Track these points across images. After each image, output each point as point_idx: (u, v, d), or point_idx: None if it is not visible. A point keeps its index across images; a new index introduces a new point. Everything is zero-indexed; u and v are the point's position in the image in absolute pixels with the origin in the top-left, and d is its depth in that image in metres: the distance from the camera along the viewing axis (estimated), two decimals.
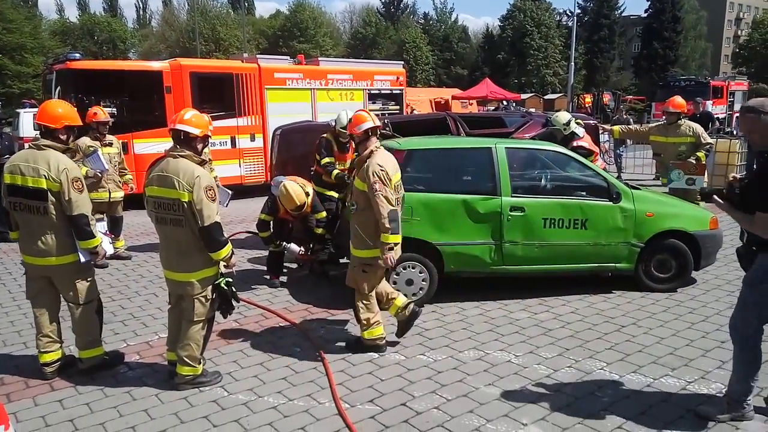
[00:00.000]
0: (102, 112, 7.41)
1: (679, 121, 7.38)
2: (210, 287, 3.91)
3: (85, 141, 7.16)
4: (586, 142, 7.00)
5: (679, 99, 7.60)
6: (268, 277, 6.40)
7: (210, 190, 3.75)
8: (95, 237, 4.04)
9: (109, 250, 4.38)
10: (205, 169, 3.88)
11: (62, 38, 51.82)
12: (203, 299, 3.88)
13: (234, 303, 4.04)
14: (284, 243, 6.25)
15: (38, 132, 4.05)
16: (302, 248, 6.29)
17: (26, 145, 4.13)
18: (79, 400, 3.85)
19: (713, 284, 6.07)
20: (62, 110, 4.03)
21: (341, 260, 6.62)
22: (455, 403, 3.76)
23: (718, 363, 4.24)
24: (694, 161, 7.10)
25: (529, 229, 5.51)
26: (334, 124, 6.75)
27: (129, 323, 5.28)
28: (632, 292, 5.80)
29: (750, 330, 3.38)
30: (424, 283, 5.49)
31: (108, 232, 7.38)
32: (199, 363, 3.97)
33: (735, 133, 12.19)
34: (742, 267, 3.52)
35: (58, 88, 10.82)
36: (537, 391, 3.88)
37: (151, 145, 10.79)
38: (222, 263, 3.92)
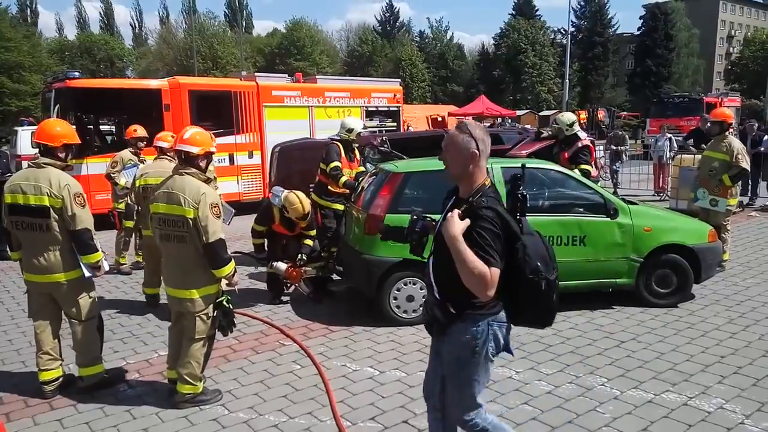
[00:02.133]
0: (142, 130, 7.70)
1: (724, 135, 7.00)
2: (211, 305, 3.91)
3: (126, 154, 7.55)
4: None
5: (721, 109, 7.42)
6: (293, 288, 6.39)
7: (215, 207, 3.78)
8: (98, 251, 4.07)
9: (104, 266, 4.36)
10: (210, 186, 3.92)
11: (60, 56, 52.12)
12: (204, 317, 3.88)
13: (234, 321, 4.04)
14: (272, 262, 6.20)
15: (37, 150, 4.09)
16: (290, 263, 6.19)
17: (24, 163, 4.17)
18: (79, 419, 3.83)
19: (712, 299, 6.08)
20: (61, 129, 4.09)
21: (334, 277, 6.63)
22: None
23: (718, 378, 4.25)
24: (716, 183, 6.82)
25: None
26: (340, 136, 6.77)
27: (128, 341, 5.26)
28: (631, 307, 5.81)
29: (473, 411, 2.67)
30: (424, 299, 5.49)
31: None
32: (200, 381, 3.95)
33: None
34: (431, 332, 2.74)
35: (57, 106, 10.86)
36: (538, 408, 3.88)
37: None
38: (224, 281, 3.93)
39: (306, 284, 6.24)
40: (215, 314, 3.93)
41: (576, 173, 6.20)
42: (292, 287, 6.38)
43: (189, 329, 3.88)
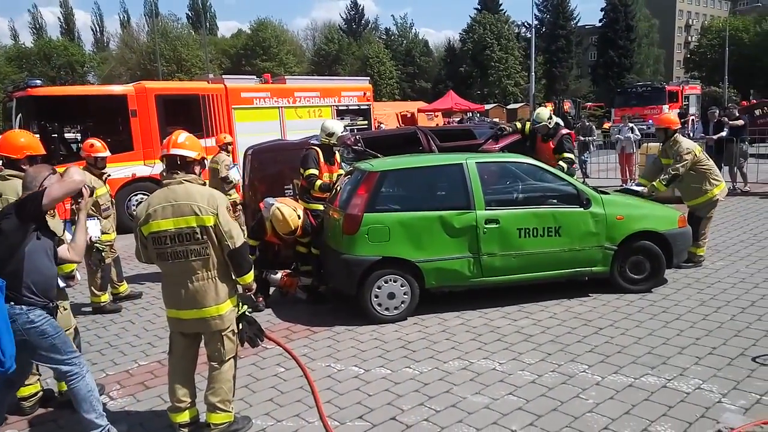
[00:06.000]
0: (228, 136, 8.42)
1: (675, 139, 6.86)
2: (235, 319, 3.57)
3: (222, 157, 8.00)
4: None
5: (664, 114, 7.26)
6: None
7: (230, 209, 3.50)
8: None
9: (77, 276, 4.19)
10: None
11: (18, 64, 50.65)
12: (231, 333, 3.54)
13: (261, 329, 3.73)
14: (266, 272, 6.11)
15: (1, 163, 3.99)
16: (284, 272, 6.12)
17: None
18: None
19: (683, 283, 6.25)
20: (24, 140, 4.03)
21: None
22: (444, 414, 3.78)
23: (694, 359, 4.37)
24: (648, 189, 6.82)
25: (505, 240, 5.60)
26: (319, 140, 6.71)
27: (106, 352, 5.17)
28: (607, 294, 5.94)
29: None
30: (405, 296, 5.52)
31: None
32: (232, 407, 3.60)
33: (691, 135, 12.59)
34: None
35: (20, 115, 10.58)
36: (523, 397, 3.94)
37: (119, 169, 10.59)
38: (244, 288, 3.66)
39: (302, 290, 6.21)
40: (240, 327, 3.59)
41: (552, 167, 6.28)
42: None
43: (218, 352, 3.51)
